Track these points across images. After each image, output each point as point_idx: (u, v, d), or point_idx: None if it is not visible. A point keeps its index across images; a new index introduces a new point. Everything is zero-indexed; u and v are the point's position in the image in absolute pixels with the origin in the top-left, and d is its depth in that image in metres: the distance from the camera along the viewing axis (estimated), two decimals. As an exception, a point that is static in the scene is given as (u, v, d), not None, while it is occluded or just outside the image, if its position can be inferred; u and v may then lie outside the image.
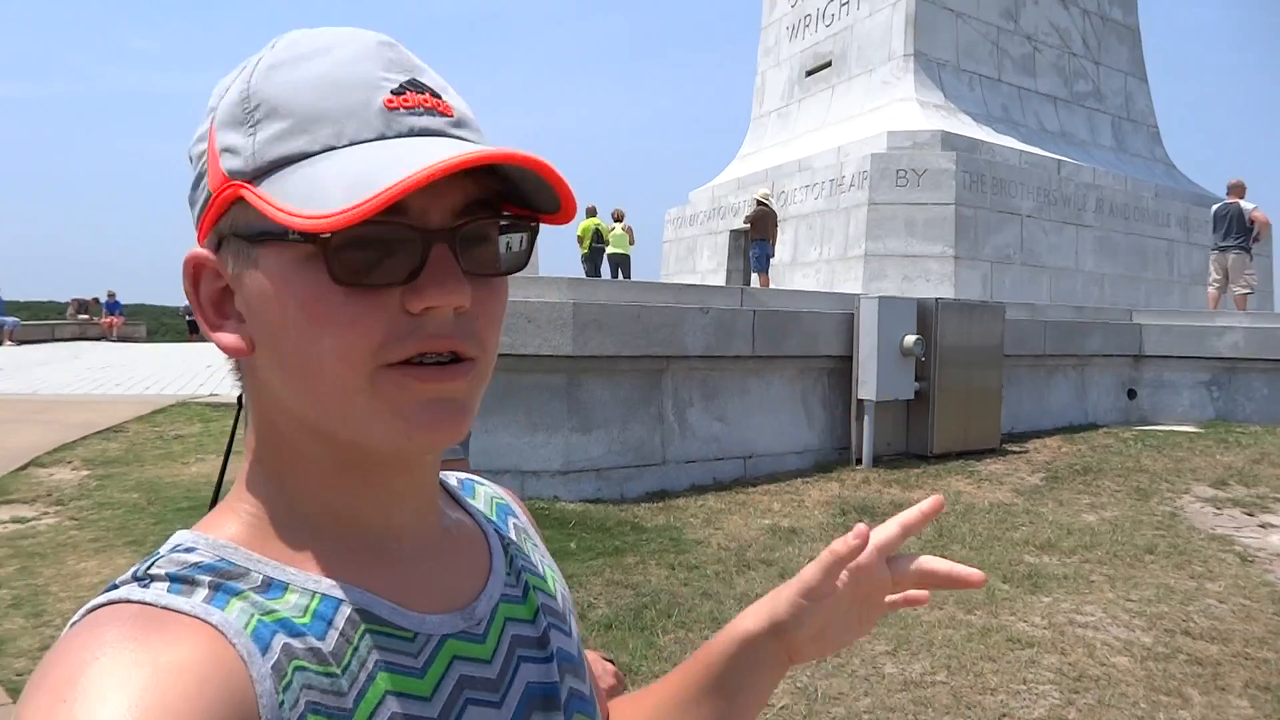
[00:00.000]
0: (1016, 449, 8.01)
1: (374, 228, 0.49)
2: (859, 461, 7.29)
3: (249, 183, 0.52)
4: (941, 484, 6.74)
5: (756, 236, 14.48)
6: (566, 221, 0.55)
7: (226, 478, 1.36)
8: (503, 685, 0.59)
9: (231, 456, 1.74)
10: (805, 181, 16.10)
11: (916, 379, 7.42)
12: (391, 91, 0.52)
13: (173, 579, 0.50)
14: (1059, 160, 16.19)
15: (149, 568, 0.51)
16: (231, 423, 1.66)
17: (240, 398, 1.58)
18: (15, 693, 3.46)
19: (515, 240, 0.55)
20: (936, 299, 7.56)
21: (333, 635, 0.52)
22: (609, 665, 1.19)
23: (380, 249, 0.50)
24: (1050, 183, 15.56)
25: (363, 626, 0.53)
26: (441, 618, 0.58)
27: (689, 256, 19.31)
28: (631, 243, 17.08)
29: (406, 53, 0.55)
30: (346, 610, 0.53)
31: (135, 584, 0.50)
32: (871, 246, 14.27)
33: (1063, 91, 18.01)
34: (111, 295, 28.29)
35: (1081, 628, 4.15)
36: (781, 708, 3.40)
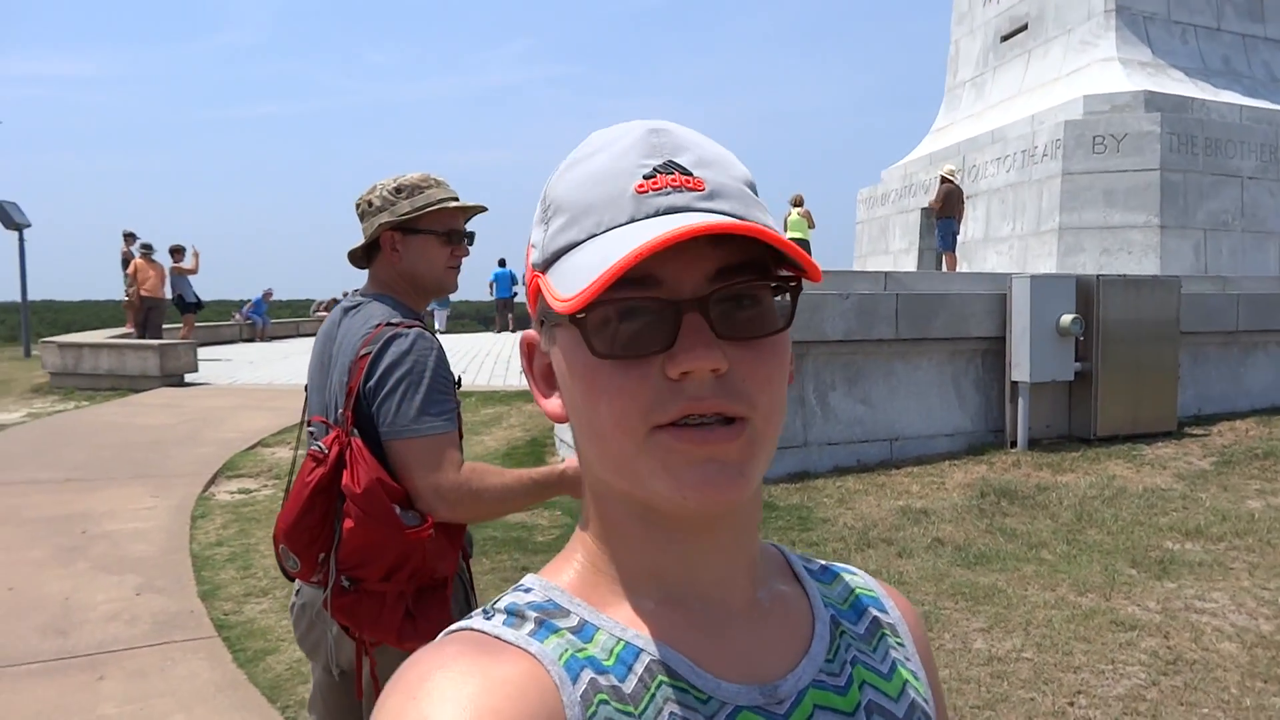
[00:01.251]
0: (1198, 432, 7.55)
1: (626, 303, 0.53)
2: (1013, 444, 7.15)
3: (542, 272, 0.58)
4: (1098, 467, 6.52)
5: (942, 215, 14.11)
6: (815, 280, 0.56)
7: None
8: None
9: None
10: (997, 154, 15.47)
11: (1078, 359, 7.18)
12: (644, 176, 0.56)
13: (509, 613, 0.58)
14: (1291, 113, 14.64)
15: (495, 604, 0.59)
16: (300, 413, 2.14)
17: (306, 385, 2.05)
18: (221, 628, 4.25)
19: (781, 301, 0.57)
20: (1098, 275, 7.24)
21: (632, 680, 0.55)
22: None
23: (636, 321, 0.53)
24: (1278, 139, 14.11)
25: (660, 677, 0.56)
26: (739, 687, 0.58)
27: (881, 237, 19.00)
28: (811, 226, 17.02)
29: (675, 134, 0.58)
30: (646, 659, 0.56)
31: (482, 616, 0.58)
32: (1066, 219, 13.57)
33: (1298, 34, 16.21)
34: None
35: (1198, 614, 4.05)
36: (862, 674, 3.60)
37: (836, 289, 6.80)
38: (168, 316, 15.86)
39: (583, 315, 0.53)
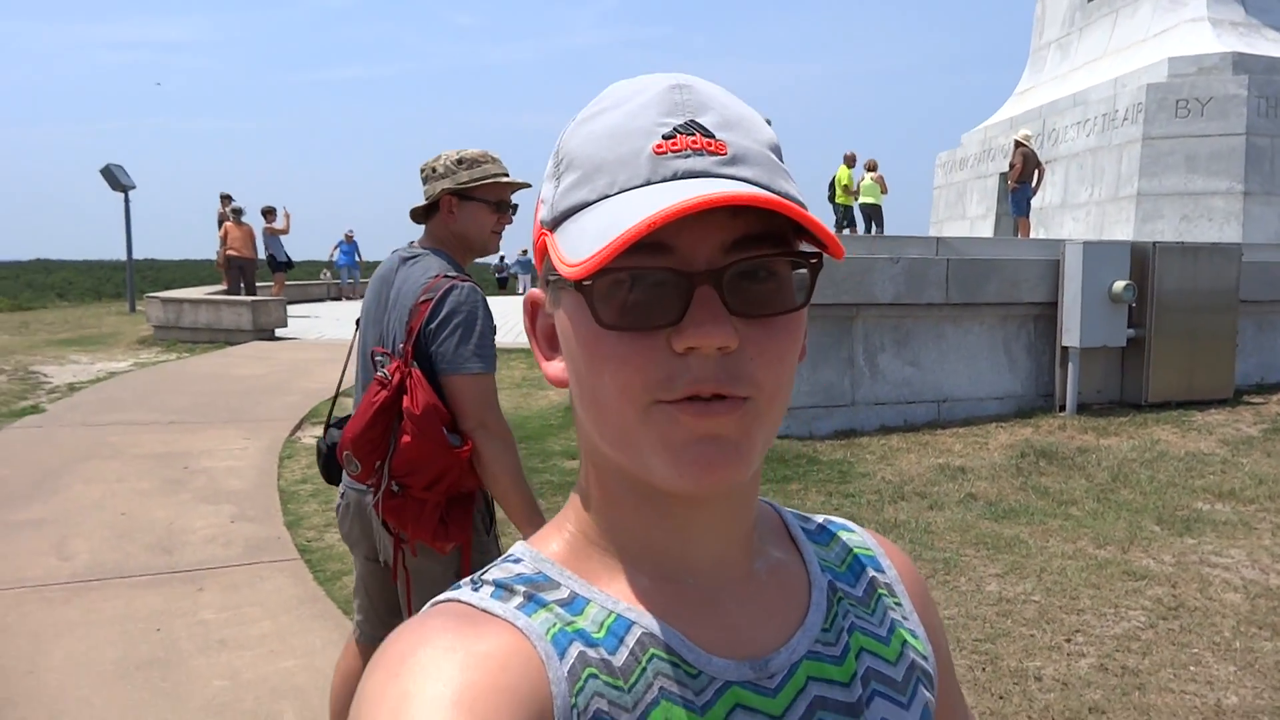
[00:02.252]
0: (1256, 400, 7.53)
1: (635, 271, 0.50)
2: (1062, 408, 7.26)
3: (550, 231, 0.55)
4: (1144, 432, 6.61)
5: (1016, 180, 14.00)
6: (838, 257, 0.52)
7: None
8: None
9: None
10: (1078, 118, 15.18)
11: (1131, 325, 7.23)
12: (663, 136, 0.53)
13: (497, 585, 0.56)
14: (1397, 73, 13.96)
15: (484, 574, 0.58)
16: (347, 350, 2.54)
17: (358, 320, 2.50)
18: (304, 552, 4.76)
19: (799, 277, 0.54)
20: (1153, 242, 7.25)
21: (623, 652, 0.54)
22: None
23: (644, 292, 0.51)
24: (1380, 101, 13.50)
25: (651, 650, 0.55)
26: (729, 663, 0.57)
27: (959, 202, 18.79)
28: (884, 192, 16.98)
29: (699, 91, 0.55)
30: (638, 632, 0.55)
31: (470, 586, 0.57)
32: (1145, 185, 13.31)
33: None
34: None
35: (1210, 567, 4.23)
36: (877, 610, 3.90)
37: (887, 253, 6.99)
38: (260, 275, 16.73)
39: (589, 282, 0.50)
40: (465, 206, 2.36)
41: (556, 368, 0.59)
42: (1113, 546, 4.52)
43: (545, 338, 0.61)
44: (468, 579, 0.58)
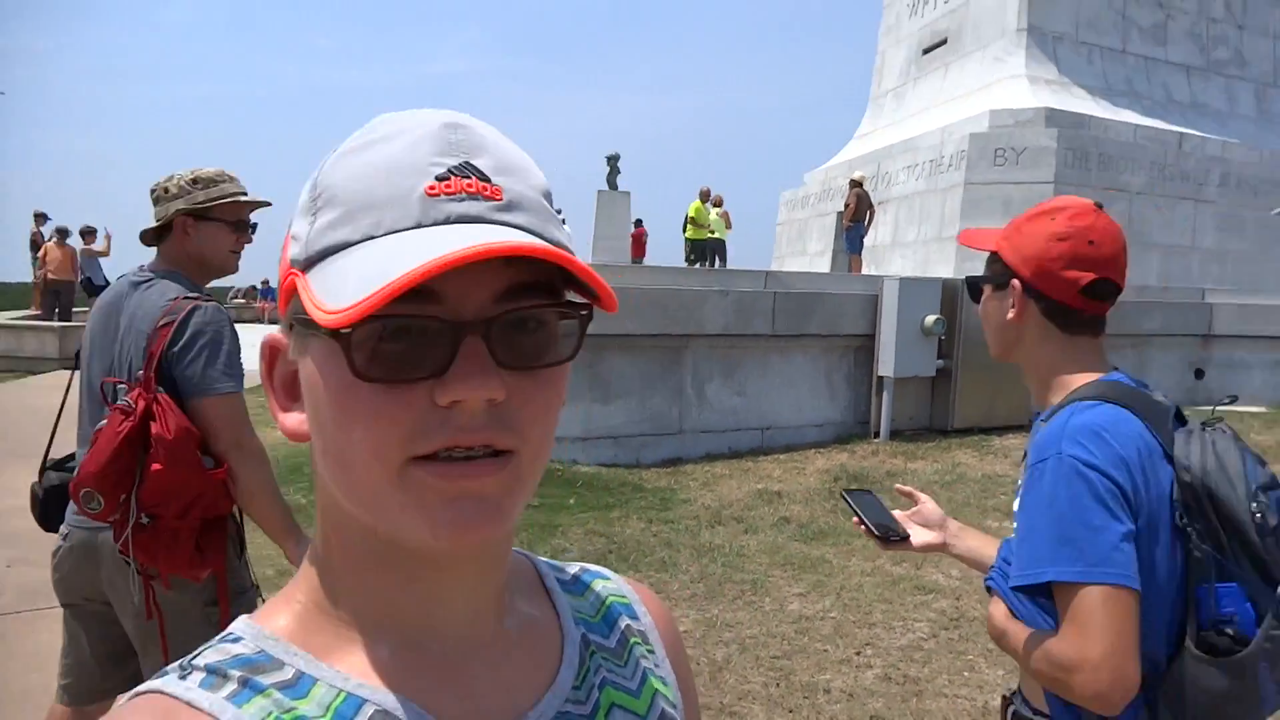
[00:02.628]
0: (1053, 427, 8.10)
1: (400, 319, 0.47)
2: (876, 435, 7.62)
3: (303, 271, 0.52)
4: (947, 456, 7.01)
5: (850, 219, 14.71)
6: (610, 310, 0.51)
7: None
8: None
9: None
10: (908, 162, 16.11)
11: (940, 357, 7.67)
12: (436, 177, 0.50)
13: (209, 670, 0.52)
14: (1181, 133, 15.45)
15: (195, 658, 0.53)
16: (63, 393, 2.40)
17: (77, 352, 2.34)
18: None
19: (567, 326, 0.52)
20: (964, 278, 7.76)
21: None
22: None
23: (408, 341, 0.48)
24: (1167, 157, 14.91)
25: None
26: None
27: (799, 239, 19.56)
28: (729, 228, 17.48)
29: (475, 132, 0.53)
30: (370, 710, 0.52)
31: (178, 673, 0.52)
32: (965, 227, 14.17)
33: (1198, 59, 17.06)
34: (265, 283, 31.39)
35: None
36: (684, 631, 3.95)
37: (719, 285, 7.18)
38: (77, 300, 15.67)
39: (348, 330, 0.47)
40: (202, 227, 2.30)
41: (295, 420, 0.55)
42: (908, 564, 4.74)
43: (284, 386, 0.56)
44: (176, 664, 0.53)
